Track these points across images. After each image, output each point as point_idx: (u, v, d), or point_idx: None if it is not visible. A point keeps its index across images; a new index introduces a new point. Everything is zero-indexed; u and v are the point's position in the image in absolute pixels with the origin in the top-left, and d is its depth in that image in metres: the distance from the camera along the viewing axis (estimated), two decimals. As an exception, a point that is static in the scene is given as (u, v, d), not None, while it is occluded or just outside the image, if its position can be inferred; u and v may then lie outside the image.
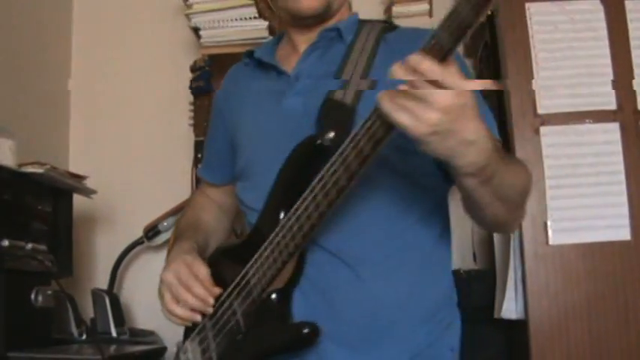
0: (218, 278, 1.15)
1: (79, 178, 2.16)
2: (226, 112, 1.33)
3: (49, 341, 1.90)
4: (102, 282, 2.49)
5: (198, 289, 1.11)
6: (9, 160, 1.84)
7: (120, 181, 2.66)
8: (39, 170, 1.90)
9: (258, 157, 1.20)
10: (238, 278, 1.11)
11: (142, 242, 2.44)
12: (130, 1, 2.84)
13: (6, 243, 1.73)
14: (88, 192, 2.24)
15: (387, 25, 1.22)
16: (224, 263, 1.18)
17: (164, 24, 2.78)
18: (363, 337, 1.07)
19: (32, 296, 1.84)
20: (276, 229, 1.05)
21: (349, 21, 1.21)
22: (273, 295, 1.07)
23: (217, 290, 1.13)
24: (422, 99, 0.80)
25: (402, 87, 0.82)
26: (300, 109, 1.14)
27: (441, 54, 0.81)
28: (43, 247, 1.91)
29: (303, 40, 1.22)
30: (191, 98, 2.42)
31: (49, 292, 1.91)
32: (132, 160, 2.73)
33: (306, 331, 1.03)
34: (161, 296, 1.15)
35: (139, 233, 2.44)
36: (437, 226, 1.16)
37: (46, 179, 1.96)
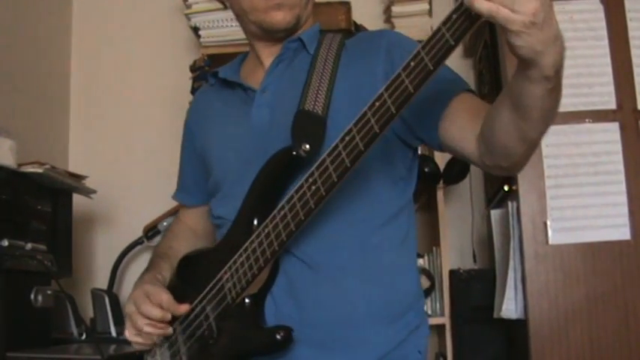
0: (188, 284, 1.19)
1: (79, 178, 2.16)
2: (197, 133, 1.36)
3: (48, 341, 1.90)
4: (102, 282, 2.49)
5: (156, 312, 1.14)
6: (9, 160, 1.84)
7: (120, 181, 2.66)
8: (38, 170, 1.90)
9: (228, 168, 1.23)
10: (212, 283, 1.14)
11: (142, 242, 2.45)
12: (129, 1, 2.84)
13: (6, 243, 1.73)
14: (87, 192, 2.24)
15: (346, 34, 1.25)
16: (195, 269, 1.21)
17: (164, 24, 2.78)
18: (331, 339, 1.10)
19: (32, 296, 1.84)
20: (252, 237, 1.07)
21: (311, 31, 1.24)
22: (247, 300, 1.09)
23: (185, 307, 1.16)
24: None
25: None
26: (267, 121, 1.16)
27: None
28: (42, 247, 1.91)
29: (269, 54, 1.24)
30: (191, 98, 2.42)
31: (49, 291, 1.91)
32: (132, 160, 2.73)
33: (279, 336, 1.06)
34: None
35: (138, 233, 2.44)
36: (401, 231, 1.19)
37: (45, 179, 1.96)
